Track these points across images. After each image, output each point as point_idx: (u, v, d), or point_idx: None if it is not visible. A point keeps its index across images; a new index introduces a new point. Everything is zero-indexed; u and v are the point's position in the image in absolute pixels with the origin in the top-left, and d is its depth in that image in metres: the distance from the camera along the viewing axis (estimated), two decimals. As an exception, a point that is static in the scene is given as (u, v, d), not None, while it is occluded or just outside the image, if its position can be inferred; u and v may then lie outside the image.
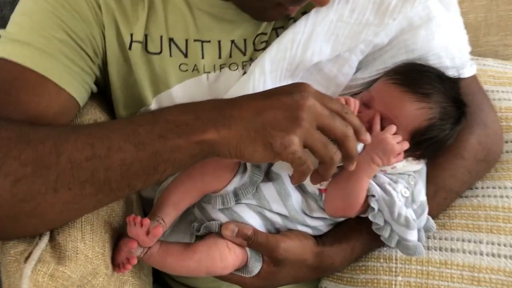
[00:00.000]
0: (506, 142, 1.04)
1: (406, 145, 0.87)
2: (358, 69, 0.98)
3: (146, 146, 0.71)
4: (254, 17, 0.89)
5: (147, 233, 0.78)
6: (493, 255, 0.92)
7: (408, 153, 0.89)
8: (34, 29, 0.80)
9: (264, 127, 0.71)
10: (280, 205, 0.88)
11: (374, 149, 0.86)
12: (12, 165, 0.67)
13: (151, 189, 0.96)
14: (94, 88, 0.90)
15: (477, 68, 1.04)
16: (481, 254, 0.92)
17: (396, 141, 0.86)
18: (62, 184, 0.68)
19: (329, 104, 0.76)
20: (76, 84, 0.84)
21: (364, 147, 0.86)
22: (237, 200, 0.88)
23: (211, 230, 0.88)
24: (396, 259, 0.95)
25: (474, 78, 1.01)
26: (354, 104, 0.87)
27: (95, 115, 0.92)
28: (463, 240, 0.95)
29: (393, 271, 0.94)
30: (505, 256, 0.91)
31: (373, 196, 0.87)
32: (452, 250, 0.94)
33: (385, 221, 0.89)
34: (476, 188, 1.01)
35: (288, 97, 0.74)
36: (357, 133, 0.78)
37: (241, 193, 0.87)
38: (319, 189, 0.90)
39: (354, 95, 0.98)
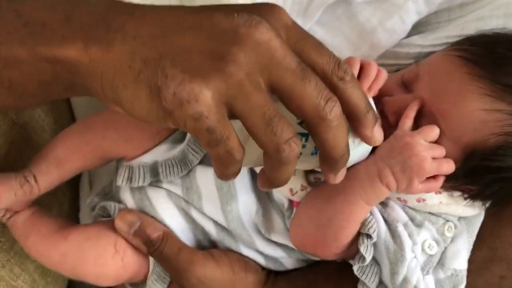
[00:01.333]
0: None
1: (448, 166, 0.49)
2: (419, 31, 0.60)
3: None
4: None
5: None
6: None
7: (453, 183, 0.51)
8: None
9: (161, 59, 0.38)
10: (215, 207, 0.55)
11: (389, 158, 0.49)
12: None
13: None
14: None
15: None
16: None
17: (432, 154, 0.48)
18: None
19: (310, 52, 0.41)
20: None
21: (374, 151, 0.49)
22: (156, 182, 0.56)
23: (109, 215, 0.58)
24: None
25: None
26: (377, 73, 0.50)
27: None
28: None
29: None
30: None
31: (369, 237, 0.51)
32: None
33: (381, 283, 0.52)
34: None
35: (226, 17, 0.39)
36: (355, 119, 0.42)
37: (162, 171, 0.55)
38: (290, 200, 0.55)
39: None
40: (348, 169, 0.48)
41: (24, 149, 0.64)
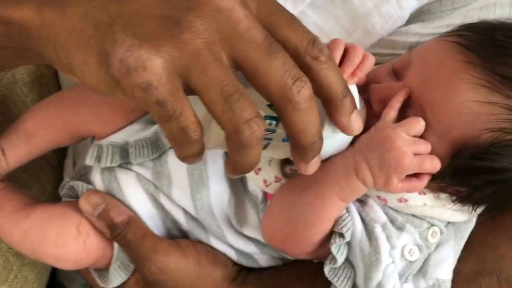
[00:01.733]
0: None
1: (432, 164, 0.44)
2: (421, 20, 0.56)
3: None
4: None
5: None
6: None
7: (439, 184, 0.46)
8: None
9: (113, 23, 0.36)
10: (184, 194, 0.52)
11: (367, 151, 0.44)
12: None
13: None
14: None
15: None
16: None
17: (415, 149, 0.44)
18: None
19: (282, 27, 0.37)
20: None
21: (355, 142, 0.45)
22: (126, 164, 0.53)
23: (78, 195, 0.55)
24: None
25: None
26: (363, 58, 0.46)
27: None
28: None
29: None
30: None
31: (342, 236, 0.46)
32: None
33: (355, 287, 0.48)
34: None
35: None
36: (330, 104, 0.38)
37: (132, 152, 0.52)
38: (264, 192, 0.51)
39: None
40: (325, 160, 0.45)
41: (1, 123, 0.62)
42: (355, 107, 0.39)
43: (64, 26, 0.36)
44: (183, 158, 0.37)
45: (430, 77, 0.45)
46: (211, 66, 0.35)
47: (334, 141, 0.43)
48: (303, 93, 0.36)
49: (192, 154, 0.37)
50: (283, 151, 0.44)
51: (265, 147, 0.43)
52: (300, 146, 0.38)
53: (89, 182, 0.55)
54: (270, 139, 0.43)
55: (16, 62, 0.43)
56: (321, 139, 0.38)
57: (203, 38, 0.35)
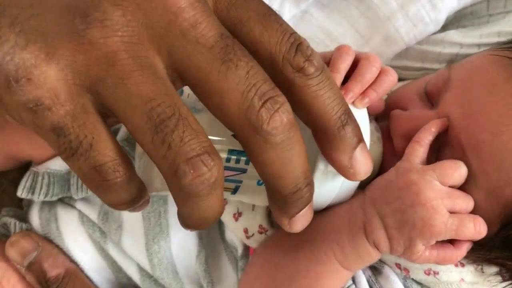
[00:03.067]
0: None
1: (475, 229, 0.31)
2: (462, 26, 0.43)
3: None
4: None
5: None
6: None
7: (484, 255, 0.33)
8: None
9: (1, 15, 0.24)
10: (137, 244, 0.39)
11: (382, 203, 0.31)
12: None
13: None
14: None
15: None
16: None
17: (451, 205, 0.31)
18: None
19: (251, 24, 0.25)
20: None
21: (366, 187, 0.32)
22: (70, 199, 0.41)
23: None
24: None
25: None
26: (381, 73, 0.33)
27: None
28: None
29: None
30: None
31: (343, 320, 0.34)
32: None
33: None
34: None
35: None
36: (322, 136, 0.26)
37: (74, 183, 0.40)
38: (245, 245, 0.38)
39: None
40: (323, 211, 0.32)
41: None
42: (360, 140, 0.26)
43: None
44: (110, 205, 0.26)
45: (475, 109, 0.32)
46: (135, 76, 0.23)
47: (331, 187, 0.30)
48: (276, 119, 0.23)
49: (119, 202, 0.25)
50: (259, 197, 0.31)
51: (234, 191, 0.31)
52: (279, 195, 0.26)
53: (27, 219, 0.43)
54: (240, 181, 0.30)
55: None
56: (309, 185, 0.26)
57: (122, 36, 0.23)
